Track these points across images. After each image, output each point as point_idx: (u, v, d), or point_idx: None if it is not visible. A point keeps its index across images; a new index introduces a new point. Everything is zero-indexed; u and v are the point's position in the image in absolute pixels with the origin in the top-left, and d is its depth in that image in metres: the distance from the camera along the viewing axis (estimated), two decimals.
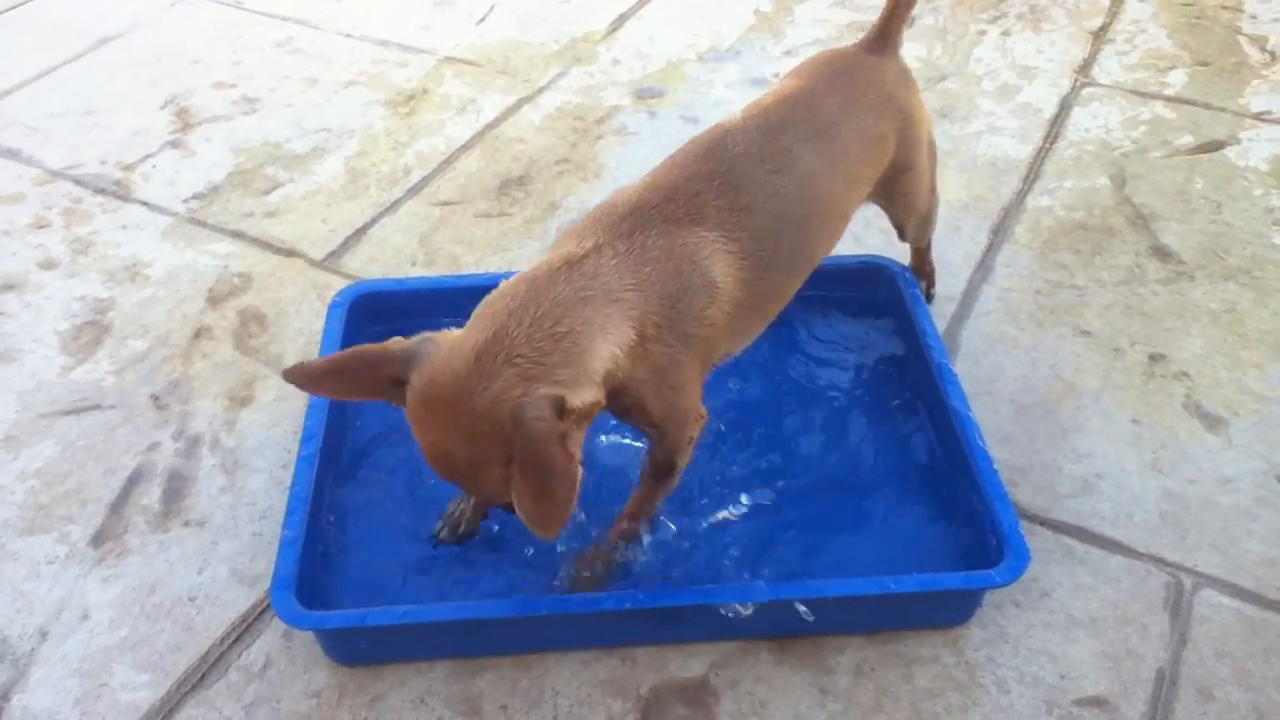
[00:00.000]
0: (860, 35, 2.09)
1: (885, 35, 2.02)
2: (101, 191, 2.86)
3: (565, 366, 1.46)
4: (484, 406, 1.41)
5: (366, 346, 1.51)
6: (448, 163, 2.94)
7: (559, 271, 1.54)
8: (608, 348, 1.51)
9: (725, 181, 1.70)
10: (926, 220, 2.25)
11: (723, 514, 1.95)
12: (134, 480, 2.10)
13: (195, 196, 2.83)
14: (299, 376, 1.51)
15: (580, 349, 1.48)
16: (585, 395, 1.47)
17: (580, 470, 1.42)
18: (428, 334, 1.50)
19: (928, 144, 2.10)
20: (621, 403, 1.60)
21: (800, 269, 1.84)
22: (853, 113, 1.89)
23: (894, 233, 2.27)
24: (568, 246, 1.61)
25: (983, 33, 3.41)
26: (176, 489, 2.08)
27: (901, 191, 2.08)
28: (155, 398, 2.27)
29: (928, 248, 2.37)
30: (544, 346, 1.45)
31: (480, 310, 1.53)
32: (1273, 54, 3.28)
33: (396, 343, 1.50)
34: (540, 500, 1.40)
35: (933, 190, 2.20)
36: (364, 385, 1.50)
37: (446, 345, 1.47)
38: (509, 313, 1.48)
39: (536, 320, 1.47)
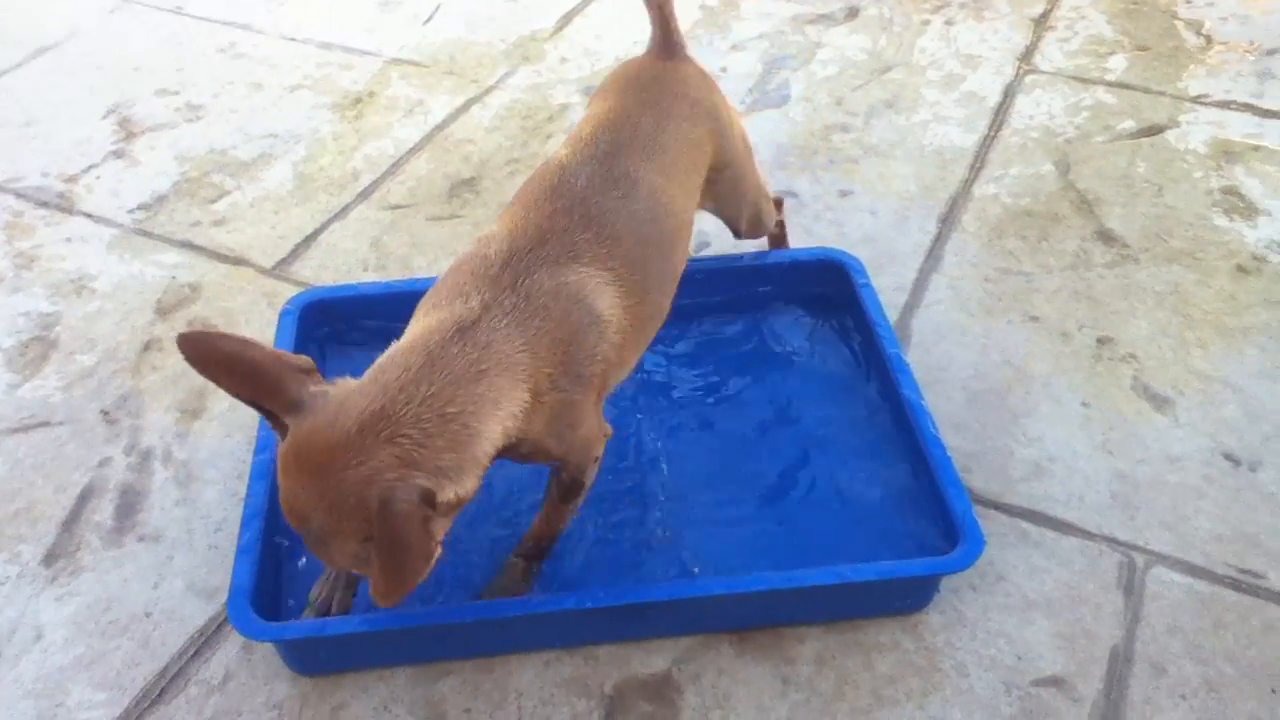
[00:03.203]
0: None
1: (667, 40, 2.04)
2: (44, 204, 2.81)
3: (450, 452, 1.42)
4: (353, 482, 1.36)
5: (270, 362, 1.42)
6: (397, 165, 2.92)
7: (452, 341, 1.49)
8: (499, 425, 1.49)
9: (584, 215, 1.69)
10: (758, 214, 2.24)
11: (671, 507, 1.97)
12: (85, 497, 2.07)
13: (141, 207, 2.80)
14: (191, 347, 1.40)
15: (469, 433, 1.44)
16: (464, 486, 1.44)
17: (438, 552, 1.39)
18: (323, 386, 1.44)
19: (740, 139, 2.12)
20: (520, 451, 1.58)
21: (668, 285, 1.85)
22: (669, 123, 1.89)
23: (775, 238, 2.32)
24: (455, 307, 1.56)
25: (926, 23, 3.44)
26: (129, 504, 2.05)
27: (724, 191, 2.09)
28: (105, 412, 2.24)
29: (782, 233, 2.39)
30: (430, 429, 1.41)
31: (372, 373, 1.47)
32: (1208, 38, 3.34)
33: (295, 373, 1.43)
34: (390, 578, 1.34)
35: (756, 184, 2.21)
36: (247, 394, 1.42)
37: (334, 404, 1.41)
38: (400, 385, 1.43)
39: (427, 398, 1.42)
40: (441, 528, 1.41)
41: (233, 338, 1.44)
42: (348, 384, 1.46)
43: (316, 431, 1.39)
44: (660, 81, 1.97)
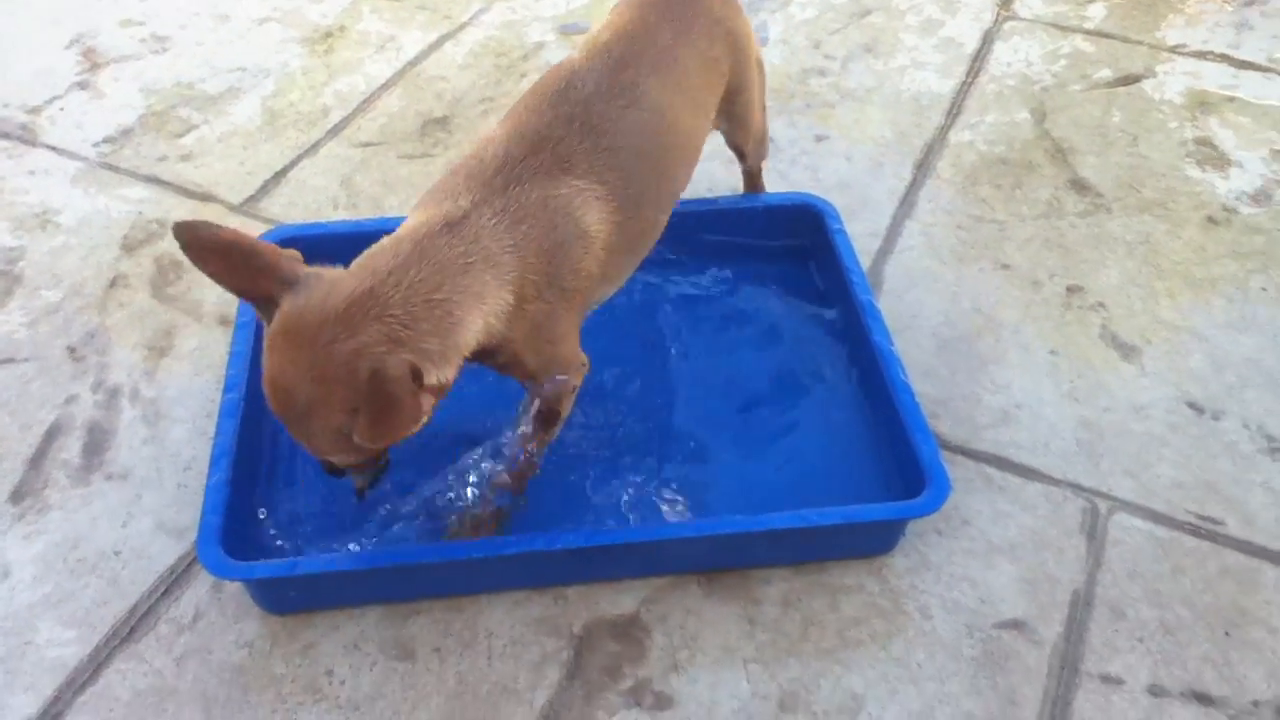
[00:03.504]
0: None
1: None
2: (5, 136, 2.75)
3: (434, 336, 1.46)
4: (343, 354, 1.40)
5: (265, 247, 1.45)
6: (368, 102, 2.87)
7: (440, 233, 1.53)
8: (481, 319, 1.52)
9: (585, 124, 1.70)
10: (762, 141, 2.30)
11: (644, 450, 1.97)
12: (52, 434, 2.05)
13: (106, 140, 2.74)
14: (190, 235, 1.41)
15: (453, 320, 1.48)
16: (445, 373, 1.47)
17: (426, 419, 1.43)
18: (316, 269, 1.48)
19: (756, 64, 2.14)
20: (497, 359, 1.62)
21: (665, 202, 1.87)
22: (687, 39, 1.90)
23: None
24: (445, 205, 1.59)
25: None
26: (97, 442, 2.04)
27: (738, 114, 2.12)
28: (71, 349, 2.21)
29: (760, 172, 2.40)
30: (417, 311, 1.45)
31: (362, 260, 1.51)
32: None
33: (289, 258, 1.47)
34: (377, 426, 1.39)
35: (763, 109, 2.24)
36: (241, 282, 1.45)
37: (325, 284, 1.45)
38: (389, 270, 1.47)
39: (414, 283, 1.47)
40: (428, 403, 1.44)
41: (228, 228, 1.46)
42: (338, 270, 1.50)
43: (308, 309, 1.43)
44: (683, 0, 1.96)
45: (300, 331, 1.42)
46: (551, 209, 1.62)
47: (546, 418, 1.79)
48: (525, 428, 1.82)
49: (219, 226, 1.45)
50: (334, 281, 1.46)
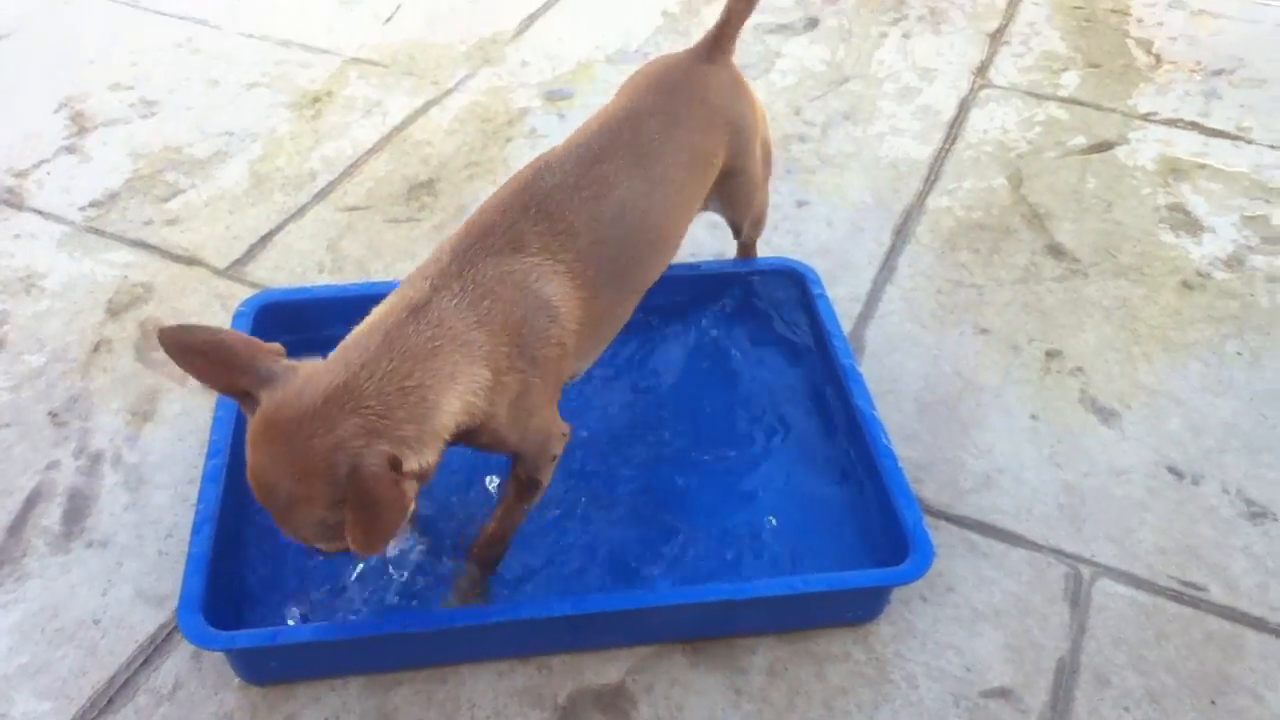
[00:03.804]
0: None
1: (719, 42, 2.06)
2: None
3: (410, 423, 1.48)
4: (322, 450, 1.42)
5: (244, 346, 1.49)
6: (355, 166, 2.90)
7: (406, 321, 1.56)
8: (458, 399, 1.54)
9: (541, 210, 1.72)
10: (759, 219, 2.33)
11: (623, 514, 1.98)
12: (32, 500, 2.04)
13: (92, 204, 2.75)
14: (171, 339, 1.47)
15: (428, 405, 1.50)
16: (425, 457, 1.49)
17: (413, 506, 1.45)
18: (293, 363, 1.50)
19: (761, 146, 2.16)
20: (480, 439, 1.63)
21: (634, 286, 1.88)
22: (677, 131, 1.92)
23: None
24: (407, 291, 1.62)
25: (884, 35, 3.48)
26: (77, 508, 2.03)
27: (733, 194, 2.14)
28: (53, 414, 2.20)
29: (753, 244, 2.42)
30: (392, 401, 1.47)
31: (336, 354, 1.53)
32: (1158, 57, 3.41)
33: (268, 353, 1.49)
34: (367, 531, 1.40)
35: (765, 192, 2.27)
36: (221, 380, 1.48)
37: (302, 378, 1.47)
38: (362, 362, 1.49)
39: (387, 373, 1.49)
40: (411, 489, 1.45)
41: (208, 327, 1.50)
42: (314, 364, 1.52)
43: (285, 404, 1.45)
44: (683, 86, 1.98)
45: (278, 427, 1.44)
46: (509, 283, 1.64)
47: (527, 485, 1.79)
48: (499, 505, 1.83)
49: (200, 328, 1.50)
50: (309, 377, 1.47)
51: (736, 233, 2.30)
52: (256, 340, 1.51)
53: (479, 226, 1.70)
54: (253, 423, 1.47)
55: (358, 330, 1.58)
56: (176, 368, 2.14)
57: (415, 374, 1.50)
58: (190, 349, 1.47)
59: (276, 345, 1.52)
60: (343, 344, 1.55)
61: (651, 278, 1.92)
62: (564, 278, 1.70)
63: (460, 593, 1.82)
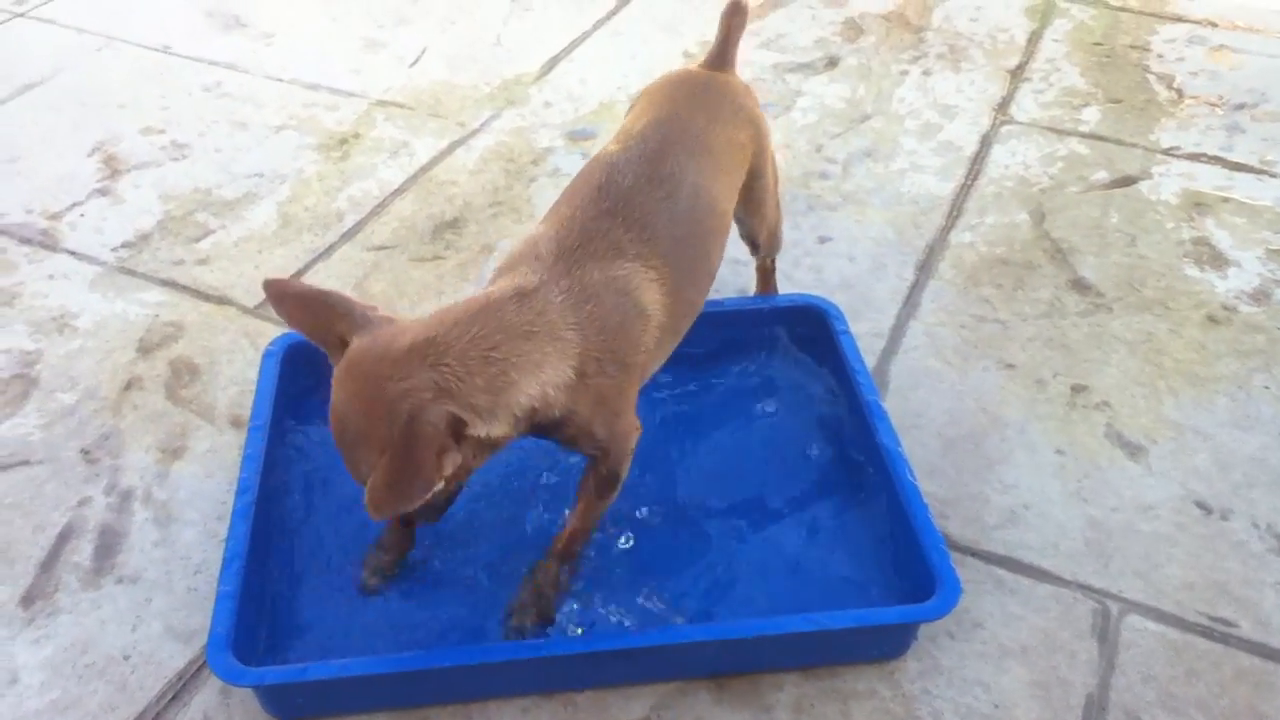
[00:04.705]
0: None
1: (723, 55, 2.18)
2: (27, 241, 2.82)
3: (486, 393, 1.52)
4: (390, 394, 1.47)
5: (343, 296, 1.59)
6: (381, 206, 2.94)
7: (510, 300, 1.61)
8: (538, 386, 1.58)
9: (628, 216, 1.78)
10: (775, 232, 2.37)
11: (647, 549, 1.99)
12: (64, 537, 2.06)
13: (124, 245, 2.80)
14: (276, 290, 1.59)
15: (506, 380, 1.54)
16: (495, 428, 1.53)
17: (440, 484, 1.47)
18: (390, 314, 1.58)
19: (771, 155, 2.23)
20: (565, 432, 1.68)
21: (704, 284, 1.95)
22: (716, 125, 2.00)
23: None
24: (516, 278, 1.68)
25: (905, 73, 3.51)
26: (108, 545, 2.05)
27: (756, 200, 2.19)
28: (85, 451, 2.23)
29: (773, 268, 2.46)
30: (473, 366, 1.52)
31: (435, 312, 1.60)
32: (1179, 92, 3.41)
33: (364, 305, 1.58)
34: (389, 490, 1.43)
35: (777, 203, 2.33)
36: (318, 326, 1.57)
37: (396, 328, 1.55)
38: (455, 321, 1.55)
39: (475, 338, 1.54)
40: (453, 461, 1.48)
41: (310, 285, 1.64)
42: (411, 318, 1.60)
43: (372, 347, 1.52)
44: (710, 87, 2.08)
45: (360, 366, 1.51)
46: (614, 289, 1.70)
47: (607, 481, 1.83)
48: (579, 502, 1.87)
49: (299, 283, 1.65)
50: (403, 328, 1.55)
51: (754, 248, 2.35)
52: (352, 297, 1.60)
53: (575, 231, 1.75)
54: (340, 362, 1.54)
55: (465, 299, 1.64)
56: (205, 405, 2.18)
57: (502, 348, 1.55)
58: (292, 296, 1.59)
59: (373, 305, 1.60)
60: (445, 306, 1.62)
61: (715, 271, 1.98)
62: (655, 284, 1.76)
63: (537, 590, 1.84)
